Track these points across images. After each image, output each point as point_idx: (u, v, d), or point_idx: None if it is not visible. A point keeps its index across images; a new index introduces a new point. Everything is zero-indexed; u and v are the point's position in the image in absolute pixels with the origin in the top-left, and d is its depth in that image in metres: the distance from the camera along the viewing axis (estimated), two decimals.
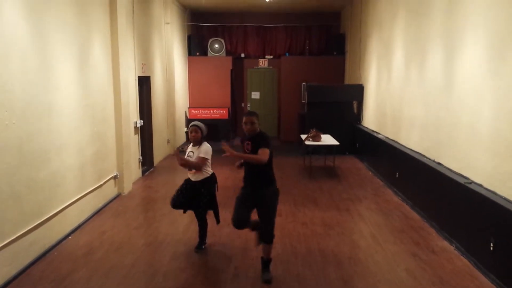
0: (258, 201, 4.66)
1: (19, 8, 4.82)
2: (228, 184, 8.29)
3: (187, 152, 5.38)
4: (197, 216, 5.45)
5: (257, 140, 4.60)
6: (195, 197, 5.33)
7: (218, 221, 5.50)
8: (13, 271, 4.70)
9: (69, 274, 4.83)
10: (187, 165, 5.30)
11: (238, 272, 4.90)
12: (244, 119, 4.68)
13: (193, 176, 5.33)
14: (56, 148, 5.64)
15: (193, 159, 5.28)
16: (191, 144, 5.41)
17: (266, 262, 4.77)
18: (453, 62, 5.93)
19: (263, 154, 4.48)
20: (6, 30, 4.57)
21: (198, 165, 5.24)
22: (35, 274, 4.82)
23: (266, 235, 4.68)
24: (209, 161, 5.34)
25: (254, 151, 4.56)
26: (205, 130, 5.38)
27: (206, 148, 5.31)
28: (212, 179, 5.38)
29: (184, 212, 5.57)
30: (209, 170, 5.36)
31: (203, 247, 5.47)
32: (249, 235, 5.59)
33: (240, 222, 4.71)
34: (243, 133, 4.84)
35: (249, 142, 4.66)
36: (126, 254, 5.37)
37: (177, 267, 5.08)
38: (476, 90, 5.31)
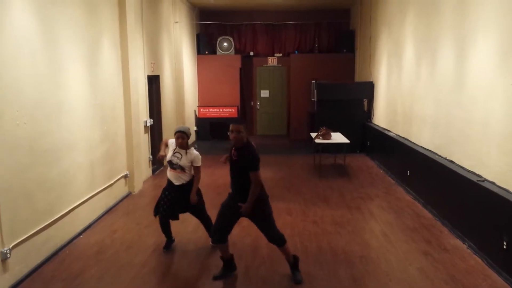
0: (250, 213, 4.51)
1: (29, 8, 4.85)
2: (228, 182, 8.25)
3: (173, 153, 5.24)
4: (198, 215, 5.46)
5: (244, 154, 4.42)
6: (185, 200, 5.29)
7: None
8: (25, 270, 4.74)
9: (81, 273, 4.85)
10: (195, 191, 5.29)
11: (249, 271, 4.89)
12: (231, 126, 4.42)
13: (177, 180, 5.26)
14: (67, 147, 5.67)
15: (180, 162, 5.20)
16: (177, 147, 5.27)
17: (294, 263, 4.69)
18: (464, 59, 5.86)
19: (256, 181, 4.39)
20: (16, 30, 4.60)
21: (199, 178, 5.31)
22: (47, 273, 4.85)
23: (275, 240, 4.60)
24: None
25: (239, 162, 4.43)
26: (189, 134, 5.34)
27: (196, 156, 5.28)
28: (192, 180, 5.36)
29: (176, 218, 5.48)
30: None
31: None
32: (259, 234, 5.57)
33: (223, 236, 4.61)
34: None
35: (235, 153, 4.46)
36: (137, 253, 5.38)
37: (187, 266, 5.08)
38: (487, 87, 5.24)
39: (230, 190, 4.71)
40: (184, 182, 5.28)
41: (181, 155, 5.24)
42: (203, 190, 5.56)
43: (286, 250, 4.66)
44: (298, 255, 4.81)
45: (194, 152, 5.31)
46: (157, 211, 5.44)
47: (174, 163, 5.24)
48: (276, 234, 4.60)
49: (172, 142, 5.34)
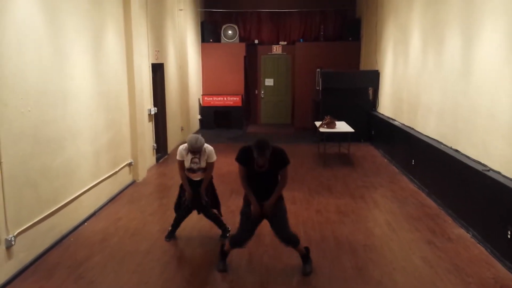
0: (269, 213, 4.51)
1: None
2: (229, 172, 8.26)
3: (190, 160, 5.16)
4: (205, 215, 5.41)
5: (276, 159, 4.36)
6: (198, 196, 5.25)
7: (220, 215, 5.48)
8: (30, 257, 4.77)
9: (85, 260, 4.88)
10: (206, 186, 5.24)
11: (252, 258, 4.91)
12: (256, 153, 4.21)
13: (197, 177, 5.23)
14: (71, 135, 5.68)
15: (201, 165, 5.14)
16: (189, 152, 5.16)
17: (306, 254, 4.65)
18: (471, 48, 5.80)
19: (287, 174, 4.48)
20: (20, 18, 4.58)
21: (210, 174, 5.24)
22: (51, 260, 4.89)
23: (290, 240, 4.55)
24: None
25: (272, 169, 4.40)
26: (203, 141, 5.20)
27: (211, 152, 5.18)
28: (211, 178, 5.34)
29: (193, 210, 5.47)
30: None
31: (227, 234, 5.40)
32: (262, 223, 5.58)
33: (244, 243, 4.63)
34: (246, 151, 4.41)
35: (265, 165, 4.36)
36: (141, 241, 5.41)
37: (191, 254, 5.11)
38: (494, 76, 5.19)
39: (243, 193, 4.61)
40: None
41: (198, 159, 5.16)
42: None
43: (299, 248, 4.63)
44: (302, 244, 4.79)
45: (208, 148, 5.21)
46: (177, 207, 5.43)
47: (196, 169, 5.19)
48: (292, 235, 4.56)
49: (182, 148, 5.20)
